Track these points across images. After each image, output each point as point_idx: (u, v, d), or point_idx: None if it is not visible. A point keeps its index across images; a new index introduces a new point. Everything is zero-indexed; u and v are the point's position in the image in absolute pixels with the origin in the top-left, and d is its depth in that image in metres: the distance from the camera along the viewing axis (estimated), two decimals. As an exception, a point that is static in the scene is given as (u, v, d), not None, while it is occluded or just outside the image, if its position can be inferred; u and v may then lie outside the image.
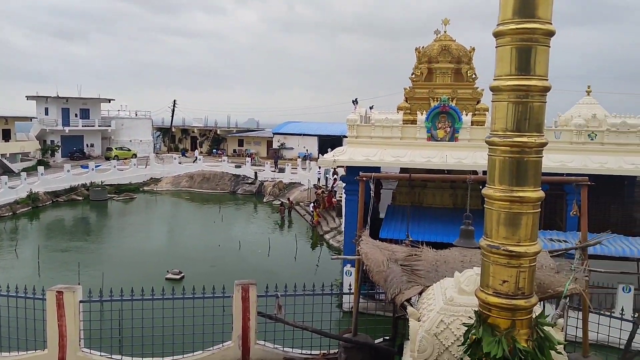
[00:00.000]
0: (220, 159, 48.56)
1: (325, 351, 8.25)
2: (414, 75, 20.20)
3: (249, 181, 43.40)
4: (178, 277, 20.20)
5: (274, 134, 57.48)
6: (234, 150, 57.90)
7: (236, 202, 39.65)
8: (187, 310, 8.06)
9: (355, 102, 30.05)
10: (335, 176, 35.79)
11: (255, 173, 43.64)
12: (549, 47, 3.54)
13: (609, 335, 7.95)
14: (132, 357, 8.04)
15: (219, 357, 7.94)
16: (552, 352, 3.85)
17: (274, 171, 43.73)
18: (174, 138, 63.32)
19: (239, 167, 45.44)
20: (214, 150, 58.37)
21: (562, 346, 4.42)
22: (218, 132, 60.76)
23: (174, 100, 62.39)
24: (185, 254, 23.94)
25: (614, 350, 7.54)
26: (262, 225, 31.99)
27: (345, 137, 19.66)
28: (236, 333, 7.92)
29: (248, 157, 49.64)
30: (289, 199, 36.80)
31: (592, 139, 17.45)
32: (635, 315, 7.29)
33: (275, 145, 55.72)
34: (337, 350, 8.13)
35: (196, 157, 48.64)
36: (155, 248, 25.56)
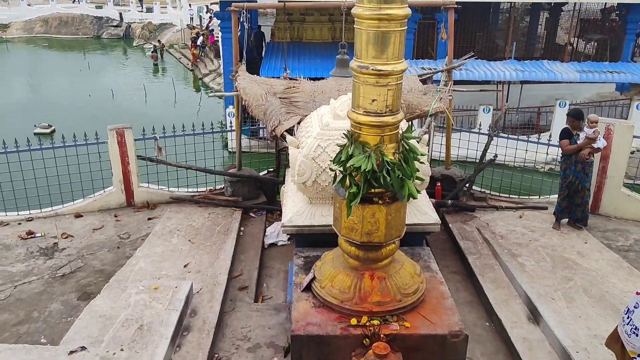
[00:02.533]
0: (76, -1, 43.18)
1: (211, 187, 8.43)
2: None
3: (114, 24, 39.53)
4: (48, 130, 18.92)
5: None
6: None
7: (102, 48, 36.41)
8: (60, 161, 7.68)
9: None
10: (209, 14, 33.64)
11: (120, 14, 39.65)
12: None
13: (468, 149, 8.87)
14: (5, 212, 7.68)
15: (102, 203, 7.83)
16: (417, 163, 4.22)
17: (141, 11, 39.95)
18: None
19: (100, 7, 40.84)
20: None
21: (425, 157, 4.85)
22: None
23: None
24: (52, 106, 22.17)
25: (473, 163, 8.48)
26: (135, 71, 30.05)
27: (216, -32, 18.12)
28: (117, 178, 7.77)
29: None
30: (159, 41, 34.38)
31: (462, -35, 17.60)
32: (490, 130, 8.12)
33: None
34: (224, 185, 8.34)
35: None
36: (18, 102, 23.29)
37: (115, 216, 7.68)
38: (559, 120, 16.48)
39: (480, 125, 9.43)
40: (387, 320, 4.14)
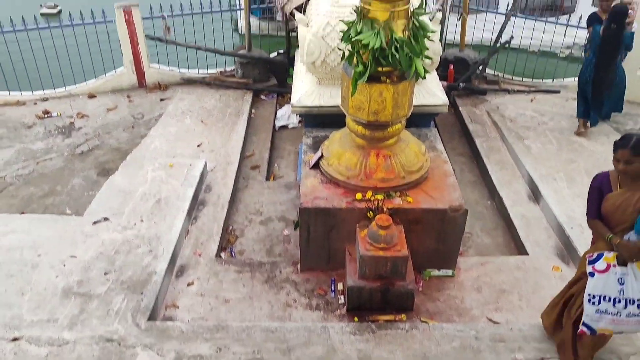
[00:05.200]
0: None
1: (222, 69, 8.39)
2: None
3: None
4: (54, 11, 18.46)
5: None
6: None
7: None
8: (70, 40, 7.63)
9: None
10: None
11: None
12: None
13: (483, 31, 8.60)
14: (20, 92, 7.79)
15: (114, 84, 7.88)
16: (427, 42, 4.16)
17: None
18: None
19: None
20: None
21: (436, 35, 4.77)
22: None
23: None
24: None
25: (488, 47, 8.25)
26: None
27: None
28: (127, 59, 7.75)
29: None
30: None
31: None
32: (508, 9, 7.81)
33: None
34: (234, 67, 8.29)
35: None
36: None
37: (128, 97, 7.76)
38: (586, 1, 15.66)
39: (498, 3, 9.03)
40: (390, 195, 4.33)
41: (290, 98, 5.87)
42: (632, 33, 6.14)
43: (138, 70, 7.83)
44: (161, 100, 7.67)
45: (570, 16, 9.40)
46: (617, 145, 3.09)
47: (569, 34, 8.39)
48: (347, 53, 4.13)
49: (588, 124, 6.58)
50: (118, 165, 5.84)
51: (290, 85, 7.19)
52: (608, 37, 5.97)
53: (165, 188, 5.30)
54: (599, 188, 3.23)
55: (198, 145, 6.42)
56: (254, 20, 8.69)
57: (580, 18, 7.47)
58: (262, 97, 7.99)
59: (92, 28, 7.58)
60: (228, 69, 8.41)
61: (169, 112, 7.22)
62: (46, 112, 7.29)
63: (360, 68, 3.97)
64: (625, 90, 6.72)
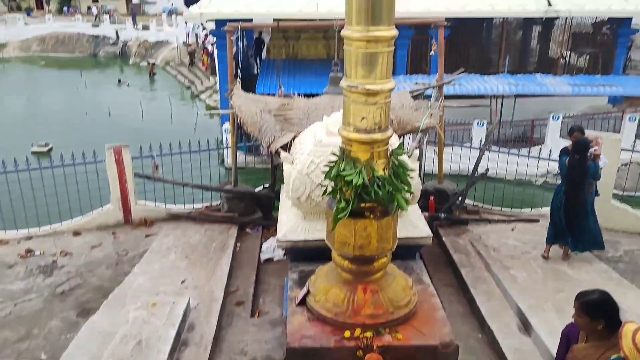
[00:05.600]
0: (73, 18, 43.50)
1: (208, 204, 8.54)
2: None
3: (111, 42, 39.83)
4: (45, 149, 19.01)
5: (133, -13, 51.93)
6: (88, 8, 51.89)
7: (99, 66, 36.67)
8: (59, 179, 7.79)
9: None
10: (205, 31, 33.95)
11: (117, 32, 39.95)
12: None
13: (460, 164, 9.01)
14: (4, 230, 7.76)
15: (100, 221, 7.92)
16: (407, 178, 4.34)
17: (137, 29, 40.23)
18: (14, -5, 55.04)
19: (97, 26, 41.24)
20: (65, 8, 51.88)
21: (415, 172, 4.98)
22: (67, -14, 53.58)
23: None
24: (49, 125, 22.27)
25: (466, 177, 8.60)
26: (131, 88, 30.23)
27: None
28: (114, 196, 7.87)
29: (106, 14, 44.84)
30: (148, 62, 34.51)
31: (454, -18, 17.91)
32: (482, 144, 8.26)
33: None
34: (220, 201, 8.45)
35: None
36: (15, 121, 23.41)
37: (113, 233, 7.77)
38: (553, 133, 16.70)
39: (472, 139, 9.58)
40: (379, 332, 4.23)
41: (275, 230, 5.93)
42: (596, 165, 6.46)
43: (125, 207, 7.93)
44: (146, 236, 7.68)
45: (541, 148, 9.95)
46: (575, 297, 3.14)
47: (541, 165, 8.82)
48: (330, 189, 4.28)
49: (570, 251, 6.68)
50: (99, 304, 5.68)
51: (275, 218, 7.29)
52: (572, 167, 6.33)
53: (147, 328, 5.11)
54: (567, 336, 3.21)
55: (182, 282, 6.32)
56: (240, 155, 9.06)
57: (550, 151, 7.92)
58: (248, 230, 8.05)
59: (82, 167, 7.79)
60: (214, 203, 8.56)
61: (154, 248, 7.19)
62: (29, 251, 7.22)
63: (342, 204, 4.09)
64: (599, 225, 6.85)
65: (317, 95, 7.89)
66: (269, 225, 8.07)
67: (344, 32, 3.91)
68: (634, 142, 15.22)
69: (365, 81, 3.90)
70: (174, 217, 8.12)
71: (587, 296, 3.11)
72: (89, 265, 6.93)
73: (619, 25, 19.28)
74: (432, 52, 7.69)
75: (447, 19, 7.83)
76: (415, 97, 7.81)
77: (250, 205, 8.30)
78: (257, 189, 8.59)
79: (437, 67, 7.97)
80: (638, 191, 9.69)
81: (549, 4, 17.87)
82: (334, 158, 4.30)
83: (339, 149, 4.28)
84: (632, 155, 9.30)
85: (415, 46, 18.83)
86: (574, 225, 6.54)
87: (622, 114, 17.71)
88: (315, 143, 5.38)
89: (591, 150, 6.44)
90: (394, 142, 4.51)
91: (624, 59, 20.17)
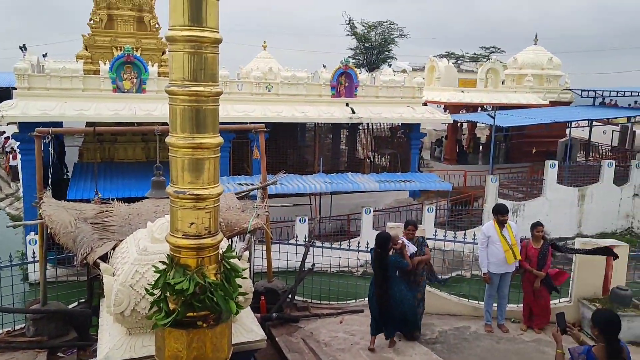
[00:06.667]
0: None
1: (9, 329, 7.40)
2: (92, 22, 18.76)
3: None
4: None
5: None
6: None
7: None
8: None
9: (23, 48, 26.36)
10: (5, 134, 31.04)
11: None
12: (218, 1, 3.77)
13: (287, 260, 9.23)
14: None
15: None
16: (239, 281, 4.31)
17: None
18: None
19: None
20: None
21: (247, 274, 4.97)
22: None
23: None
24: None
25: (294, 273, 8.81)
26: None
27: (15, 88, 17.18)
28: None
29: None
30: None
31: (269, 90, 19.27)
32: (307, 240, 8.63)
33: None
34: (25, 324, 7.39)
35: None
36: None
37: None
38: (367, 226, 18.12)
39: (297, 235, 9.94)
40: None
41: (94, 352, 5.33)
42: (396, 256, 6.96)
43: None
44: None
45: (358, 240, 10.69)
46: None
47: (359, 256, 9.45)
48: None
49: (395, 339, 7.08)
50: None
51: (94, 337, 6.58)
52: (376, 259, 6.85)
53: None
54: None
55: None
56: (50, 268, 8.15)
57: (367, 243, 8.54)
58: (60, 354, 7.10)
59: None
60: (17, 327, 7.45)
61: None
62: None
63: (163, 315, 3.88)
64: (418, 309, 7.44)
65: (138, 199, 7.59)
66: (86, 346, 7.23)
67: (169, 140, 3.91)
68: (435, 230, 17.18)
69: (193, 187, 3.90)
70: (-36, 349, 6.85)
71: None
72: None
73: (411, 130, 22.31)
74: (255, 156, 8.00)
75: (266, 124, 8.31)
76: (240, 198, 7.96)
77: (62, 326, 7.38)
78: (71, 306, 7.72)
79: (260, 168, 8.30)
80: (443, 274, 10.86)
81: (353, 112, 20.08)
82: (162, 266, 4.11)
83: (166, 256, 4.11)
84: (435, 242, 10.46)
85: (236, 148, 19.45)
86: (389, 314, 6.90)
87: (422, 205, 20.02)
88: (139, 251, 5.10)
89: (395, 243, 7.02)
90: (223, 245, 4.49)
91: (417, 158, 23.16)
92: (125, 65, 16.81)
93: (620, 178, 21.66)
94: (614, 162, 21.75)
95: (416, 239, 7.46)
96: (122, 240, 6.05)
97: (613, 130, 28.39)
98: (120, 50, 17.56)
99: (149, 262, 4.91)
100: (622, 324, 7.50)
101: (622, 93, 26.29)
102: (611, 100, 27.56)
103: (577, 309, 8.21)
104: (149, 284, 4.46)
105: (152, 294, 4.16)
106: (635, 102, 26.78)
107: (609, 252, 7.89)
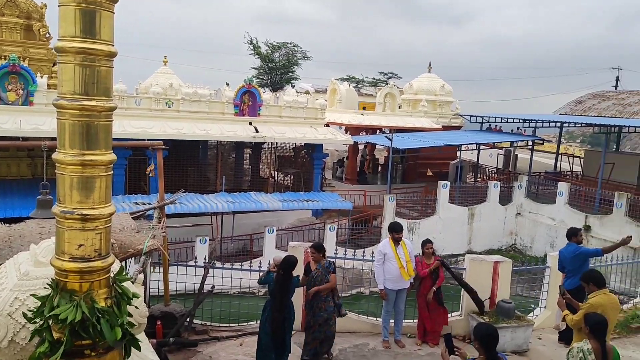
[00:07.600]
0: None
1: None
2: (-27, 27, 17.32)
3: None
4: None
5: None
6: None
7: None
8: None
9: None
10: None
11: None
12: (114, 13, 3.62)
13: (186, 283, 8.93)
14: None
15: None
16: (132, 307, 4.09)
17: None
18: None
19: None
20: None
21: (141, 298, 4.74)
22: None
23: None
24: None
25: (193, 295, 8.54)
26: None
27: None
28: None
29: None
30: None
31: (169, 107, 18.80)
32: (206, 261, 8.42)
33: None
34: None
35: None
36: None
37: None
38: (270, 245, 18.04)
39: (197, 257, 9.67)
40: None
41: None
42: (297, 277, 6.91)
43: None
44: None
45: (260, 260, 10.60)
46: None
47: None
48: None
49: None
50: None
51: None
52: (277, 281, 6.70)
53: None
54: None
55: None
56: None
57: (269, 263, 8.48)
58: None
59: None
60: None
61: None
62: None
63: (46, 346, 3.60)
64: None
65: (23, 219, 7.02)
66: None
67: (55, 156, 3.67)
68: (336, 249, 17.49)
69: (82, 206, 3.67)
70: None
71: None
72: None
73: (314, 150, 22.70)
74: (150, 174, 7.73)
75: (166, 142, 8.06)
76: (136, 218, 7.62)
77: None
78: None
79: (157, 186, 8.01)
80: (344, 292, 11.04)
81: (257, 131, 20.07)
82: (45, 292, 3.81)
83: (51, 280, 3.82)
84: (336, 260, 10.62)
85: (133, 166, 18.67)
86: (282, 339, 6.68)
87: (324, 224, 20.32)
88: (20, 276, 4.70)
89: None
90: (115, 267, 4.26)
91: (319, 178, 23.56)
92: (10, 76, 15.64)
93: (505, 198, 23.41)
94: (499, 183, 23.49)
95: (323, 263, 7.33)
96: (0, 265, 5.57)
97: (498, 154, 30.78)
98: (6, 59, 16.34)
99: (32, 287, 4.54)
100: (506, 334, 8.13)
101: (506, 119, 28.58)
102: (496, 125, 29.83)
103: (467, 322, 8.68)
104: (29, 311, 4.13)
105: (34, 322, 3.85)
106: (518, 128, 29.22)
107: (477, 300, 8.48)
